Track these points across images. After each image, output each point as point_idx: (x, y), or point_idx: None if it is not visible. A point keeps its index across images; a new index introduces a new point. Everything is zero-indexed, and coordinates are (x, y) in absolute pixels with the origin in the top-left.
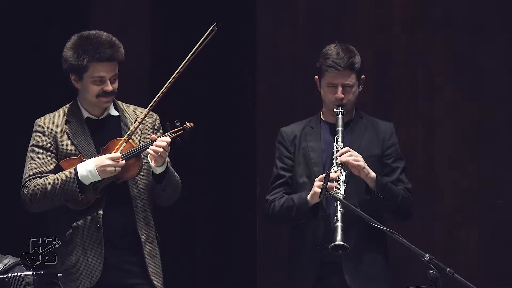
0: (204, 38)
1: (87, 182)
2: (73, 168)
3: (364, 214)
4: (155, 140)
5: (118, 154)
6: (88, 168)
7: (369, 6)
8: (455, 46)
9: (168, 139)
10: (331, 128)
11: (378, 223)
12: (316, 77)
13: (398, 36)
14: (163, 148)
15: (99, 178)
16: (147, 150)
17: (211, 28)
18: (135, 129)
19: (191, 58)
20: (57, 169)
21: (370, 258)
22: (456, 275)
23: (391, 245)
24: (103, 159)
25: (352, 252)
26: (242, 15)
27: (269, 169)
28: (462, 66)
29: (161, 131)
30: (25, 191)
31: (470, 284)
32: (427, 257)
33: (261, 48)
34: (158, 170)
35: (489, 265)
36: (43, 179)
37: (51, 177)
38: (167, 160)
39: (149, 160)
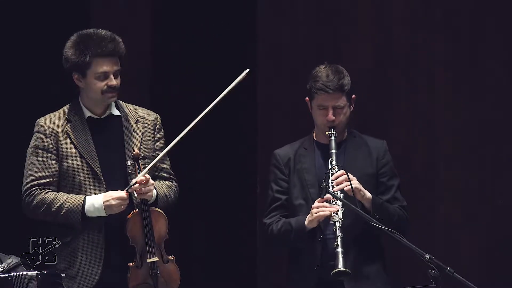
0: (239, 81)
1: (90, 215)
2: (82, 198)
3: (365, 214)
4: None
5: (123, 195)
6: (96, 206)
7: (369, 6)
8: (455, 46)
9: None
10: (324, 149)
11: (378, 223)
12: (307, 98)
13: (398, 36)
14: (142, 189)
15: (104, 214)
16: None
17: (245, 72)
18: (150, 167)
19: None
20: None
21: (370, 273)
22: (456, 274)
23: (391, 245)
24: (111, 200)
25: (352, 271)
26: (242, 15)
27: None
28: (462, 66)
29: (162, 132)
30: (28, 200)
31: (470, 283)
32: (427, 256)
33: (261, 48)
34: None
35: (489, 265)
36: (49, 195)
37: (57, 199)
38: (154, 192)
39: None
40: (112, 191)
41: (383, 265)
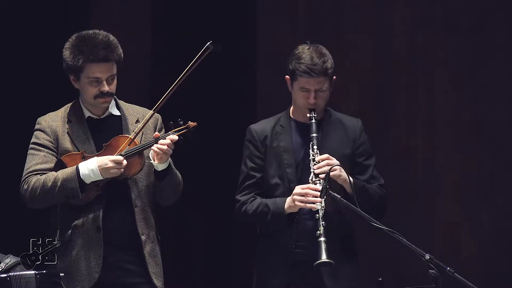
0: (200, 55)
1: (88, 181)
2: (75, 166)
3: (364, 214)
4: (158, 137)
5: (120, 157)
6: (90, 167)
7: (369, 6)
8: (455, 46)
9: (175, 137)
10: (301, 127)
11: (378, 223)
12: (287, 77)
13: (398, 36)
14: (168, 146)
15: (100, 178)
16: (152, 147)
17: (206, 45)
18: (142, 128)
19: (188, 73)
20: (59, 164)
21: (344, 259)
22: (456, 274)
23: (390, 245)
24: (106, 161)
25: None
26: (242, 15)
27: None
28: (462, 66)
29: (163, 131)
30: (25, 187)
31: (470, 284)
32: (427, 256)
33: (261, 48)
34: (160, 167)
35: (489, 265)
36: (43, 176)
37: (51, 174)
38: (170, 160)
39: (151, 158)
40: (107, 155)
41: (354, 250)
